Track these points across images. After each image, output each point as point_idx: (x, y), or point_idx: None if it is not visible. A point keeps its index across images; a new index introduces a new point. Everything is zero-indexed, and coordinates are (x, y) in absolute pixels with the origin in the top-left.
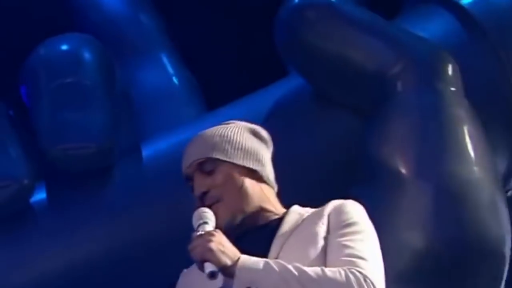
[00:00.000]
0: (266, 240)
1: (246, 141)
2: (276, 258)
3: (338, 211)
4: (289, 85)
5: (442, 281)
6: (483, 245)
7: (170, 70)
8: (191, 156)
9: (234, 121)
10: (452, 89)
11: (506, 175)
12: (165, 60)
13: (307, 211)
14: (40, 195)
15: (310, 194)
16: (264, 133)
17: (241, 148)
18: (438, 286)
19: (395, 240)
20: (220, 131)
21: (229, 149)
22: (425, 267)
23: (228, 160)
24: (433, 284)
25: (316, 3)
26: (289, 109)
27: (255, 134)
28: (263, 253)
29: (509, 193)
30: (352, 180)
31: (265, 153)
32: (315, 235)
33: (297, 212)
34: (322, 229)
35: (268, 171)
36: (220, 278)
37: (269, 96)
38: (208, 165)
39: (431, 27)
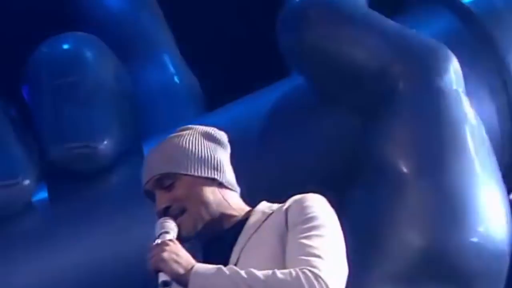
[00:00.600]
0: (228, 247)
1: (202, 149)
2: (236, 264)
3: (297, 206)
4: (291, 84)
5: (443, 281)
6: (484, 245)
7: (172, 69)
8: (149, 173)
9: (190, 127)
10: (454, 88)
11: (506, 174)
12: (166, 59)
13: (272, 208)
14: (41, 195)
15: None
16: (219, 135)
17: (197, 158)
18: (440, 286)
19: (397, 240)
20: (175, 143)
21: (184, 161)
22: (426, 267)
23: (184, 172)
24: (435, 284)
25: (318, 3)
26: (291, 109)
27: (210, 138)
28: (225, 260)
29: (511, 196)
30: (353, 179)
31: (223, 157)
32: (274, 236)
33: (261, 210)
34: (281, 228)
35: (228, 176)
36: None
37: (271, 96)
38: (166, 180)
39: (433, 26)
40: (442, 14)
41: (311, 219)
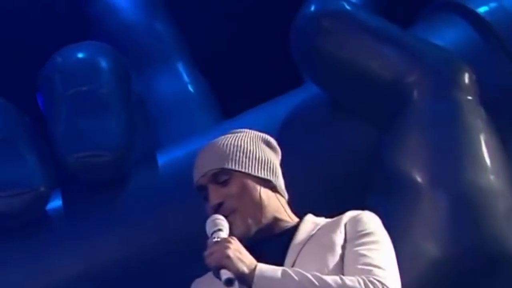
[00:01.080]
0: (281, 249)
1: (259, 150)
2: (292, 266)
3: (355, 221)
4: (305, 93)
5: None
6: (499, 255)
7: (186, 78)
8: (205, 167)
9: (244, 129)
10: (469, 97)
11: None
12: (180, 68)
13: (322, 220)
14: (55, 203)
15: (325, 203)
16: (274, 142)
17: (255, 158)
18: None
19: (412, 250)
20: (233, 141)
21: (243, 159)
22: (441, 276)
23: (242, 170)
24: None
25: (332, 11)
26: (305, 118)
27: (267, 143)
28: (279, 262)
29: None
30: (368, 189)
31: (277, 162)
32: (332, 243)
33: (312, 221)
34: (339, 237)
35: (281, 181)
36: (236, 286)
37: (285, 105)
38: (223, 176)
39: (447, 35)
40: (456, 24)
41: (370, 234)
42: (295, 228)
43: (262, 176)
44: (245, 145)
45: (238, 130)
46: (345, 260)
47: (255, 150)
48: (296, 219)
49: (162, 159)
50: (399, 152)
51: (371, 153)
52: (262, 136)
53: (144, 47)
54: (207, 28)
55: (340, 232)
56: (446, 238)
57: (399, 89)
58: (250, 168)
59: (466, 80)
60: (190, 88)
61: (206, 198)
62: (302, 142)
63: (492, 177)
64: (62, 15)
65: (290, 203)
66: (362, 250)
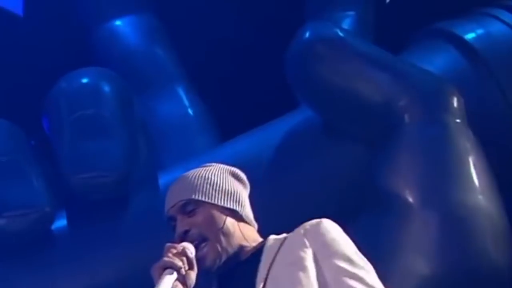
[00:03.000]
0: (250, 275)
1: (227, 182)
2: (264, 286)
3: (318, 234)
4: (300, 116)
5: None
6: (486, 272)
7: (185, 102)
8: (174, 198)
9: (214, 163)
10: (457, 120)
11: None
12: (180, 92)
13: (283, 236)
14: (60, 222)
15: None
16: (242, 175)
17: (222, 189)
18: None
19: (402, 267)
20: (201, 173)
21: (210, 190)
22: None
23: (209, 201)
24: None
25: (326, 38)
26: (300, 140)
27: (234, 176)
28: (252, 285)
29: None
30: (360, 208)
31: (244, 194)
32: (300, 260)
33: (274, 239)
34: (307, 253)
35: (247, 211)
36: None
37: (281, 127)
38: (190, 206)
39: (436, 61)
40: (445, 50)
41: (347, 258)
42: (259, 252)
43: (228, 206)
44: (213, 177)
45: (209, 164)
46: (327, 277)
47: (222, 182)
48: (259, 242)
49: (163, 179)
50: (390, 173)
51: (363, 174)
52: (231, 170)
53: (145, 72)
54: (206, 54)
55: (306, 247)
56: (435, 256)
57: (390, 112)
58: (216, 199)
59: (455, 103)
60: (189, 111)
61: (174, 229)
62: (297, 163)
63: (480, 197)
64: (66, 42)
65: (260, 231)
66: (343, 267)
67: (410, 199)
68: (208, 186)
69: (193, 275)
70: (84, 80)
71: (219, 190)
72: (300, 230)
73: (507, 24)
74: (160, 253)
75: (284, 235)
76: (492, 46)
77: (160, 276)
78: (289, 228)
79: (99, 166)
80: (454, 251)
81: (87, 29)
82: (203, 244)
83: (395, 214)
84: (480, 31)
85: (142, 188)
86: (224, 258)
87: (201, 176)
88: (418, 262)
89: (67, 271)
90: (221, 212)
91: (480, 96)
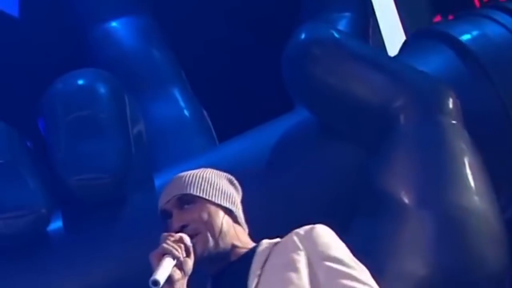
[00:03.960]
0: (242, 275)
1: (223, 183)
2: (256, 287)
3: (313, 238)
4: (296, 118)
5: None
6: (482, 273)
7: (181, 103)
8: (171, 192)
9: (209, 169)
10: (453, 122)
11: (505, 204)
12: (176, 93)
13: (276, 240)
14: (56, 224)
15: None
16: (236, 182)
17: (219, 189)
18: None
19: (398, 268)
20: (198, 173)
21: (208, 188)
22: None
23: (207, 197)
24: None
25: (322, 39)
26: (296, 141)
27: (229, 181)
28: (243, 286)
29: None
30: (356, 209)
31: (238, 199)
32: (293, 262)
33: (267, 242)
34: (300, 256)
35: (241, 214)
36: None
37: (277, 128)
38: (187, 201)
39: (432, 62)
40: (441, 51)
41: (343, 261)
42: (252, 253)
43: (225, 205)
44: (210, 177)
45: (203, 168)
46: (321, 279)
47: (219, 182)
48: (252, 246)
49: (159, 181)
50: (386, 174)
51: (359, 175)
52: (225, 175)
53: (141, 73)
54: (202, 55)
55: (299, 250)
56: (431, 257)
57: (386, 113)
58: (214, 196)
59: (451, 105)
60: (185, 112)
61: (167, 225)
62: (293, 164)
63: (476, 198)
64: (62, 43)
65: (252, 235)
66: (337, 268)
67: (406, 200)
68: (205, 183)
69: (190, 262)
70: (80, 81)
71: (216, 188)
72: (293, 234)
73: (503, 26)
74: None
75: (277, 239)
76: (487, 47)
77: (158, 262)
78: (284, 229)
79: (95, 167)
80: (449, 251)
81: (83, 30)
82: (195, 238)
83: (391, 214)
84: (475, 33)
85: (138, 189)
86: (213, 252)
87: (198, 175)
88: (414, 263)
89: (63, 273)
90: (218, 210)
91: (476, 97)
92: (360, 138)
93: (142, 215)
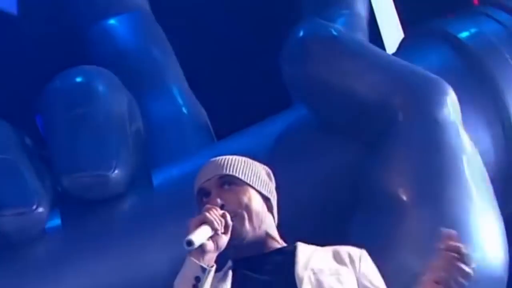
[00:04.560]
0: (286, 269)
1: (263, 173)
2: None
3: (362, 262)
4: (294, 115)
5: None
6: (481, 271)
7: (180, 101)
8: (212, 172)
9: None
10: (451, 119)
11: (503, 202)
12: (175, 91)
13: (314, 247)
14: (54, 222)
15: (314, 221)
16: (272, 175)
17: (260, 177)
18: None
19: (396, 264)
20: (240, 158)
21: (250, 174)
22: None
23: (249, 182)
24: None
25: (320, 36)
26: (294, 138)
27: (267, 172)
28: (280, 281)
29: None
30: (354, 206)
31: (274, 190)
32: (339, 272)
33: (303, 245)
34: (348, 271)
35: (275, 205)
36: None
37: (275, 125)
38: (229, 182)
39: (430, 59)
40: (439, 49)
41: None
42: (290, 251)
43: (265, 194)
44: (252, 165)
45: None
46: None
47: (260, 171)
48: (283, 243)
49: (157, 179)
50: (385, 171)
51: (358, 172)
52: (264, 166)
53: (139, 71)
54: (200, 53)
55: (347, 266)
56: (429, 254)
57: (384, 111)
58: (256, 183)
59: (449, 102)
60: (183, 110)
61: (201, 203)
62: (291, 161)
63: (474, 195)
64: (60, 41)
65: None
66: None
67: (404, 197)
68: (247, 169)
69: (225, 239)
70: (79, 79)
71: (257, 175)
72: (340, 249)
73: (500, 23)
74: (155, 252)
75: (314, 246)
76: (485, 44)
77: (196, 228)
78: (283, 226)
79: (93, 165)
80: None
81: (81, 28)
82: (236, 217)
83: (389, 212)
84: (474, 30)
85: (136, 187)
86: (249, 236)
87: (241, 160)
88: (412, 260)
89: (61, 271)
90: (259, 197)
91: (474, 94)
92: (359, 135)
93: (140, 213)
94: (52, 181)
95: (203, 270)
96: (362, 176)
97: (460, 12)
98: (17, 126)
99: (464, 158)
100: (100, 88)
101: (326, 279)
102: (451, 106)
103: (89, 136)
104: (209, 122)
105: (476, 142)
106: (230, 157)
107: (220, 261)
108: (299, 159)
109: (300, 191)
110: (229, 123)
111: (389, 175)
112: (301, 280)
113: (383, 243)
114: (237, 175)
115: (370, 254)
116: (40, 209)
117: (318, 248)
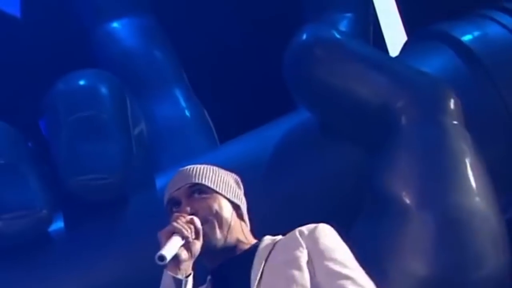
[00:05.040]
0: (245, 270)
1: (232, 182)
2: (259, 283)
3: (315, 237)
4: (297, 118)
5: None
6: (483, 273)
7: (183, 103)
8: (182, 181)
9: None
10: (454, 122)
11: (506, 205)
12: (178, 94)
13: (278, 237)
14: (58, 224)
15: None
16: (240, 182)
17: (229, 185)
18: None
19: (400, 268)
20: (209, 167)
21: (219, 182)
22: None
23: (218, 191)
24: None
25: (324, 40)
26: (297, 142)
27: (235, 180)
28: (244, 282)
29: None
30: (358, 210)
31: (243, 198)
32: (295, 259)
33: (269, 238)
34: (302, 254)
35: (245, 211)
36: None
37: (278, 129)
38: (199, 191)
39: (434, 62)
40: (442, 52)
41: (335, 251)
42: (254, 248)
43: (234, 201)
44: (220, 173)
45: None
46: (319, 279)
47: (228, 179)
48: (254, 241)
49: (160, 181)
50: (388, 175)
51: (361, 175)
52: (231, 174)
53: (142, 73)
54: (204, 56)
55: (302, 247)
56: (432, 258)
57: (387, 114)
58: (225, 191)
59: (452, 105)
60: (186, 113)
61: (171, 213)
62: (294, 165)
63: (476, 198)
64: (64, 44)
65: (253, 231)
66: (335, 269)
67: (407, 200)
68: (216, 177)
69: (198, 245)
70: (82, 82)
71: (226, 183)
72: (297, 232)
73: (505, 26)
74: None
75: (280, 236)
76: (489, 48)
77: (166, 240)
78: (285, 229)
79: (97, 168)
80: (450, 252)
81: (84, 31)
82: (206, 225)
83: (392, 215)
84: (477, 33)
85: (140, 190)
86: (220, 244)
87: (209, 168)
88: (415, 264)
89: (64, 273)
90: (228, 205)
91: (477, 97)
92: (362, 138)
93: (143, 216)
94: (55, 184)
95: (180, 281)
96: (365, 180)
97: (464, 15)
98: (20, 129)
99: (467, 161)
100: (104, 91)
101: (281, 270)
102: (454, 109)
103: (92, 139)
104: (212, 125)
105: (479, 145)
106: (199, 166)
107: (201, 274)
108: (302, 162)
109: (303, 194)
110: (232, 126)
111: (392, 178)
112: (256, 275)
113: (386, 247)
114: (206, 183)
115: (373, 257)
116: (43, 212)
117: (283, 237)
